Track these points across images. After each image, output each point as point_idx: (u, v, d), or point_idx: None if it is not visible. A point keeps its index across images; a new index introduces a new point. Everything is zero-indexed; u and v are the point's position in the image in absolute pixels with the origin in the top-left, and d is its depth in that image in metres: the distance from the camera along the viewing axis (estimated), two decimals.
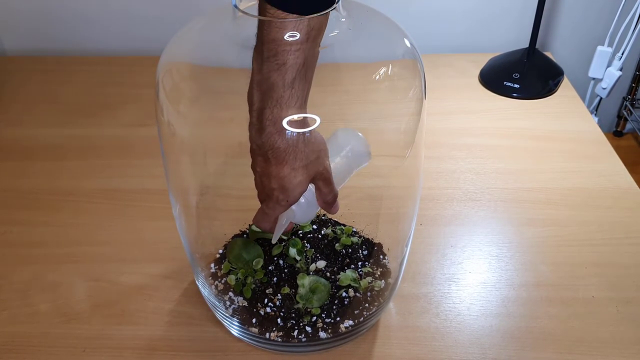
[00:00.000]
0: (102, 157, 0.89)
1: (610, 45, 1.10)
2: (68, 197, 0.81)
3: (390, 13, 0.54)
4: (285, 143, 0.45)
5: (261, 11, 0.44)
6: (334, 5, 0.47)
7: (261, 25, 0.43)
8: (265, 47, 0.43)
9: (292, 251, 0.64)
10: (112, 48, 1.20)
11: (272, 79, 0.43)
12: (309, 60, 0.44)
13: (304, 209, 0.54)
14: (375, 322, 0.62)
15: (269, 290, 0.62)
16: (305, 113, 0.46)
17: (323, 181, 0.50)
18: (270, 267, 0.64)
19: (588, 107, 1.17)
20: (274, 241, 0.59)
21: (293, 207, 0.53)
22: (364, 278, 0.62)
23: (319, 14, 0.43)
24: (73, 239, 0.74)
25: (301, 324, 0.59)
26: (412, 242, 0.63)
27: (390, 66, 0.54)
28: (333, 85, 0.54)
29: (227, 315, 0.60)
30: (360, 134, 0.53)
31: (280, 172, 0.47)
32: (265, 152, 0.46)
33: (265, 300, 0.61)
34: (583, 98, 1.14)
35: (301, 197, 0.52)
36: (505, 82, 1.03)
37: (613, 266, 0.69)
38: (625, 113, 1.25)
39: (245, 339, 0.60)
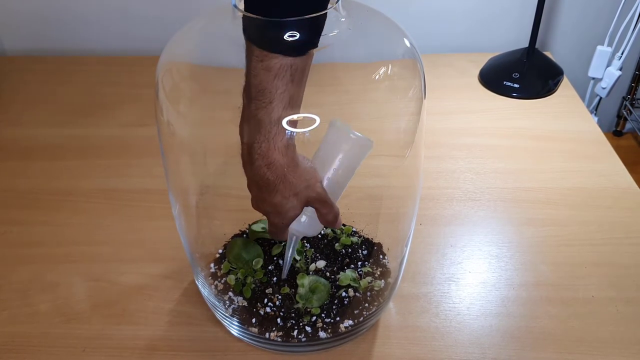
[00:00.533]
0: (101, 157, 0.89)
1: (610, 44, 1.10)
2: (67, 197, 0.81)
3: (390, 13, 0.54)
4: (274, 175, 0.48)
5: (248, 53, 0.45)
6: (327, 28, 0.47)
7: (248, 65, 0.45)
8: (252, 87, 0.45)
9: None
10: (111, 48, 1.20)
11: (260, 116, 0.45)
12: (294, 96, 0.46)
13: (307, 226, 0.55)
14: (375, 322, 0.62)
15: (269, 290, 0.62)
16: (294, 144, 0.47)
17: (319, 204, 0.52)
18: (270, 267, 0.64)
19: (588, 106, 1.17)
20: (283, 277, 0.62)
21: (295, 228, 0.55)
22: (364, 278, 0.62)
23: (302, 55, 0.44)
24: (72, 238, 0.74)
25: (301, 324, 0.59)
26: (412, 242, 0.63)
27: (390, 66, 0.54)
28: (332, 85, 0.54)
29: (226, 315, 0.60)
30: (354, 134, 0.53)
31: (273, 199, 0.49)
32: (257, 182, 0.49)
33: (265, 300, 0.61)
34: (583, 98, 1.14)
35: (302, 215, 0.53)
36: (505, 82, 1.03)
37: (613, 266, 0.69)
38: (624, 113, 1.25)
39: (245, 338, 0.60)
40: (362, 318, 0.60)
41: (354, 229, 0.68)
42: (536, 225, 0.75)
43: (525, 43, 1.07)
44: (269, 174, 0.48)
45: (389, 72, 0.53)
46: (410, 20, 1.15)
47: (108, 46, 1.20)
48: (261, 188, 0.49)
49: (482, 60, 1.10)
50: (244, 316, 0.60)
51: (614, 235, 0.73)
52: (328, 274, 0.63)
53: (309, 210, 0.53)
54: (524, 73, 1.04)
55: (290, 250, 0.59)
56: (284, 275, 0.62)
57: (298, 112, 0.47)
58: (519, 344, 0.60)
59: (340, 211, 0.54)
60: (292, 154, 0.48)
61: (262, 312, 0.60)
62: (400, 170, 0.61)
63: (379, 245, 0.67)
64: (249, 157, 0.48)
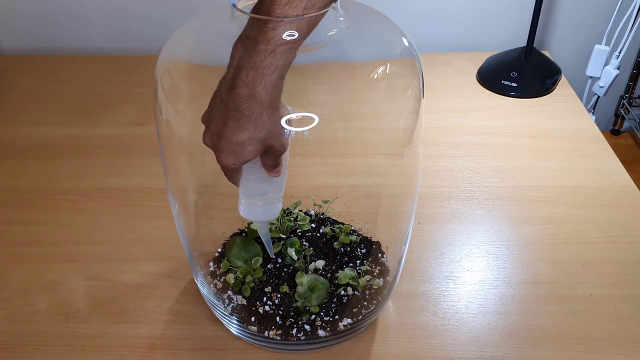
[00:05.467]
0: (100, 156, 0.89)
1: (607, 43, 1.11)
2: (66, 196, 0.81)
3: (389, 12, 0.54)
4: (250, 111, 0.44)
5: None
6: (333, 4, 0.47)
7: None
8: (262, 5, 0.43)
9: (291, 251, 0.64)
10: (110, 47, 1.20)
11: (258, 39, 0.42)
12: (303, 29, 0.44)
13: (263, 213, 0.56)
14: (373, 320, 0.62)
15: (268, 289, 0.62)
16: (280, 86, 0.44)
17: (272, 155, 0.49)
18: (269, 266, 0.64)
19: (586, 105, 1.17)
20: (272, 256, 0.62)
21: (255, 220, 0.56)
22: (363, 276, 0.62)
23: (315, 14, 0.43)
24: (71, 238, 0.74)
25: (300, 323, 0.59)
26: (411, 241, 0.64)
27: (389, 65, 0.54)
28: (331, 84, 0.54)
29: (226, 313, 0.60)
30: None
31: (235, 137, 0.45)
32: (227, 112, 0.45)
33: (264, 299, 0.61)
34: (581, 97, 1.14)
35: (257, 203, 0.54)
36: (503, 81, 1.03)
37: (611, 264, 0.69)
38: (622, 111, 1.25)
39: (244, 337, 0.60)
40: (360, 316, 0.60)
41: (352, 228, 0.69)
42: (534, 223, 0.75)
43: (523, 42, 1.07)
44: (244, 107, 0.43)
45: (387, 71, 0.53)
46: (408, 19, 1.15)
47: (107, 45, 1.20)
48: (227, 121, 0.45)
49: (480, 59, 1.11)
50: (243, 315, 0.60)
51: (612, 234, 0.73)
52: (327, 272, 0.63)
53: (263, 199, 0.53)
54: (522, 72, 1.04)
55: (264, 236, 0.60)
56: (272, 254, 0.63)
57: (294, 55, 0.44)
58: (517, 342, 0.61)
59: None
60: (276, 95, 0.44)
61: (261, 311, 0.60)
62: (398, 168, 0.62)
63: (378, 243, 0.68)
64: (232, 82, 0.43)
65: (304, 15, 0.43)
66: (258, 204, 0.55)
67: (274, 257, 0.63)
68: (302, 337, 0.58)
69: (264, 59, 0.42)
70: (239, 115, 0.44)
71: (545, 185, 0.82)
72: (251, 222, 0.68)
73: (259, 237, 0.66)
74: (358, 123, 0.54)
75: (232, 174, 0.51)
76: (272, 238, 0.66)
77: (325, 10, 0.45)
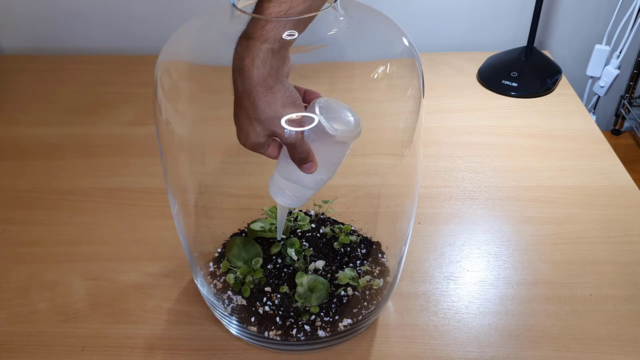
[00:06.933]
0: (100, 155, 0.89)
1: (608, 43, 1.10)
2: (66, 196, 0.81)
3: (389, 12, 0.54)
4: (242, 85, 0.43)
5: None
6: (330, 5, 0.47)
7: None
8: None
9: (291, 251, 0.64)
10: (110, 47, 1.20)
11: (258, 9, 0.42)
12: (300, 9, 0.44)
13: (290, 199, 0.54)
14: (373, 321, 0.62)
15: (268, 289, 0.62)
16: (278, 64, 0.43)
17: (287, 144, 0.47)
18: (269, 266, 0.64)
19: (586, 105, 1.17)
20: (278, 238, 0.61)
21: (279, 202, 0.54)
22: (363, 276, 0.62)
23: (309, 15, 0.43)
24: (71, 237, 0.74)
25: (300, 323, 0.59)
26: (411, 241, 0.63)
27: (389, 65, 0.54)
28: (331, 84, 0.54)
29: (225, 314, 0.60)
30: (333, 128, 0.48)
31: (239, 115, 0.45)
32: (233, 85, 0.45)
33: (264, 299, 0.61)
34: (581, 96, 1.14)
35: (285, 189, 0.52)
36: (503, 81, 1.03)
37: (611, 264, 0.69)
38: (623, 111, 1.25)
39: (243, 337, 0.60)
40: (360, 317, 0.60)
41: (352, 228, 0.69)
42: (534, 223, 0.75)
43: (523, 42, 1.07)
44: (238, 81, 0.43)
45: (387, 71, 0.53)
46: (408, 19, 1.15)
47: (107, 45, 1.20)
48: (234, 95, 0.44)
49: (480, 59, 1.10)
50: (242, 315, 0.60)
51: (612, 234, 0.73)
52: (327, 272, 0.63)
53: (292, 189, 0.52)
54: (522, 72, 1.04)
55: (280, 216, 0.58)
56: (279, 236, 0.61)
57: (296, 30, 0.43)
58: (517, 342, 0.61)
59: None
60: (267, 71, 0.42)
61: (261, 311, 0.60)
62: (398, 168, 0.62)
63: (378, 244, 0.68)
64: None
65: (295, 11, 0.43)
66: (286, 191, 0.53)
67: (281, 239, 0.62)
68: (302, 338, 0.58)
69: (255, 28, 0.42)
70: (235, 90, 0.44)
71: (545, 185, 0.82)
72: (251, 222, 0.68)
73: (259, 237, 0.66)
74: None
75: (259, 151, 0.49)
76: (271, 239, 0.66)
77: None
